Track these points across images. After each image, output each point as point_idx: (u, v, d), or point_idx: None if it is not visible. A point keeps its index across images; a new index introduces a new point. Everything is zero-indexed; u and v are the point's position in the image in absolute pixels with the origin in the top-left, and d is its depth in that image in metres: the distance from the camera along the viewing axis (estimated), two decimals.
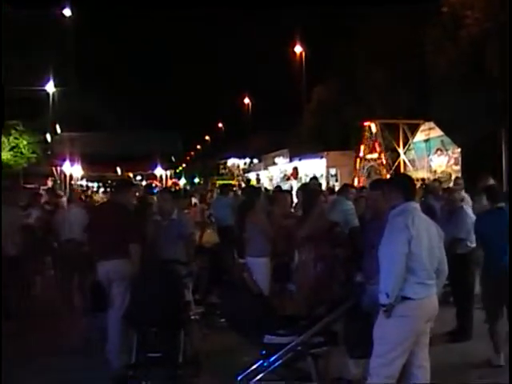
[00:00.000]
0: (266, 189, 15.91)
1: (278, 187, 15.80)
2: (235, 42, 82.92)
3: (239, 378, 6.39)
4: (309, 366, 6.25)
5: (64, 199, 15.70)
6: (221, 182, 31.63)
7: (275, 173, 43.28)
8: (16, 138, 25.95)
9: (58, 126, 35.75)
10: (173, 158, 37.28)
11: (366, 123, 29.24)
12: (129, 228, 7.86)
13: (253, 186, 26.47)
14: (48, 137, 31.79)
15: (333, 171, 32.41)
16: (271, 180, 43.45)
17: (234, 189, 20.05)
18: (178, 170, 60.25)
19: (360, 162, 29.62)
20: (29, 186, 27.50)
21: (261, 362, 6.31)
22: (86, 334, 8.66)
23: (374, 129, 28.80)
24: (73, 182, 35.01)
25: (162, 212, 8.67)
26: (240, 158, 59.53)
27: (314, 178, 17.65)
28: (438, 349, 7.13)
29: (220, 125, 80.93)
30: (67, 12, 37.30)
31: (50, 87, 34.64)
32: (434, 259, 5.72)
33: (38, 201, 14.67)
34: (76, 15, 38.27)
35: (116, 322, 7.66)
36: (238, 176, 56.04)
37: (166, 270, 7.34)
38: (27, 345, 9.20)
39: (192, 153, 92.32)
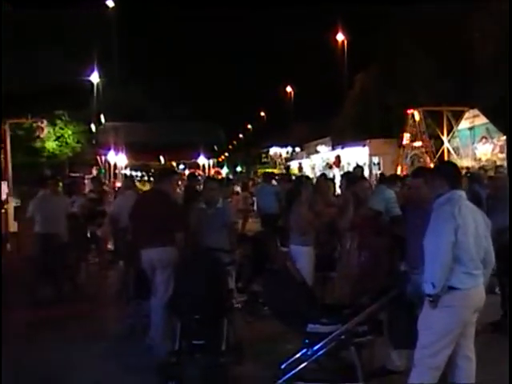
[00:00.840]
0: (307, 177, 15.84)
1: (323, 175, 15.70)
2: (277, 29, 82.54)
3: (282, 367, 6.39)
4: (352, 356, 6.22)
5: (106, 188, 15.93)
6: (263, 171, 31.60)
7: (317, 161, 43.11)
8: (61, 128, 26.29)
9: (102, 116, 36.11)
10: (215, 147, 37.33)
11: (410, 111, 28.94)
12: (173, 216, 7.91)
13: (300, 175, 26.49)
14: (92, 126, 32.16)
15: (375, 159, 32.18)
16: (313, 168, 43.29)
17: (277, 177, 20.00)
18: (220, 159, 60.43)
19: (403, 150, 29.36)
20: (74, 174, 27.91)
21: (304, 350, 6.30)
22: (129, 321, 8.74)
23: (417, 116, 28.51)
24: (117, 171, 35.35)
25: (208, 200, 8.67)
26: (282, 146, 59.47)
27: (358, 167, 17.52)
28: (483, 339, 7.02)
29: (262, 113, 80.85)
30: (110, 3, 37.63)
31: (95, 78, 35.02)
32: (480, 249, 5.62)
33: (82, 189, 14.90)
34: (121, 5, 38.57)
35: (159, 310, 7.73)
36: (280, 165, 56.02)
37: (210, 257, 7.35)
38: (71, 330, 9.35)
39: (234, 142, 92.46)
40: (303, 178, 12.13)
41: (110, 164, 33.98)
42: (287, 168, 40.66)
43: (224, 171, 58.14)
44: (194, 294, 6.80)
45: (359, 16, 41.48)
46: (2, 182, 15.26)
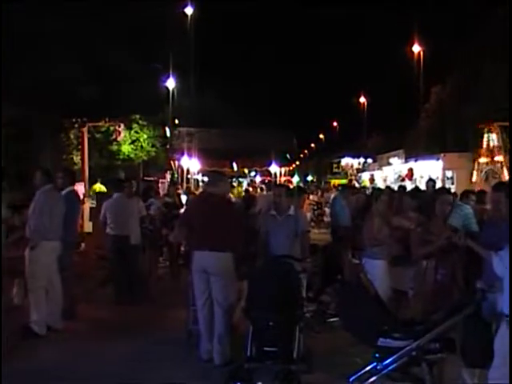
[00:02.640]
0: (379, 189, 15.64)
1: (403, 187, 15.52)
2: (353, 40, 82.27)
3: (351, 380, 6.33)
4: (423, 373, 6.13)
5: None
6: (334, 182, 31.46)
7: (389, 173, 42.66)
8: (137, 132, 26.75)
9: (176, 121, 36.62)
10: (288, 156, 37.40)
11: (485, 125, 28.36)
12: (233, 221, 7.92)
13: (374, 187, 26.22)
14: (167, 131, 32.61)
15: (449, 174, 31.60)
16: (385, 180, 42.85)
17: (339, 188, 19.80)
18: (291, 168, 60.46)
19: (478, 165, 28.78)
20: (148, 178, 28.35)
21: (374, 364, 6.24)
22: (188, 327, 8.70)
23: (493, 131, 27.90)
24: (189, 176, 35.83)
25: (278, 207, 8.67)
26: (354, 157, 59.05)
27: (431, 180, 17.24)
28: None
29: (335, 124, 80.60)
30: (189, 11, 38.15)
31: (171, 83, 35.58)
32: None
33: (158, 193, 15.12)
34: (196, 12, 39.03)
35: (222, 316, 7.72)
36: (351, 175, 55.64)
37: (284, 264, 7.35)
38: (138, 332, 9.48)
39: (306, 151, 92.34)
40: (377, 191, 12.02)
41: (182, 169, 34.47)
42: (350, 180, 40.22)
43: (295, 180, 58.11)
44: (267, 300, 6.82)
45: (437, 28, 40.92)
46: (79, 184, 15.60)
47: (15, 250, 9.54)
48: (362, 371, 6.33)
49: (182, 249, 14.14)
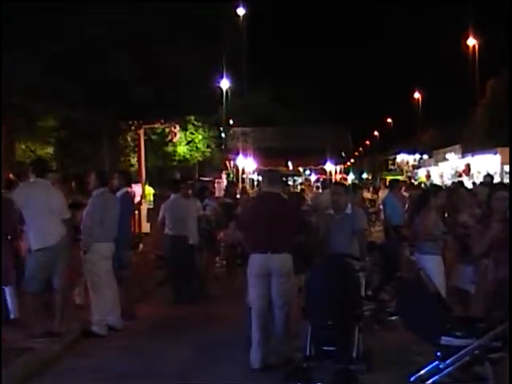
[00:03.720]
0: (436, 185, 15.43)
1: (461, 183, 15.26)
2: (407, 35, 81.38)
3: (412, 379, 6.28)
4: (486, 372, 6.03)
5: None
6: (390, 178, 31.19)
7: (446, 169, 42.13)
8: (192, 133, 26.98)
9: (231, 122, 36.84)
10: (343, 153, 37.26)
11: None
12: (295, 221, 7.89)
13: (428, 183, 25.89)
14: (222, 132, 32.82)
15: (507, 168, 31.02)
16: (441, 176, 42.35)
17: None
18: (346, 165, 60.27)
19: None
20: (204, 178, 28.55)
21: (436, 363, 6.17)
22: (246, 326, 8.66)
23: None
24: (244, 176, 35.98)
25: (335, 206, 8.63)
26: (409, 153, 58.47)
27: (489, 176, 16.96)
28: None
29: (389, 120, 79.90)
30: (241, 11, 38.33)
31: (224, 84, 35.80)
32: None
33: (213, 193, 15.21)
34: (249, 12, 39.18)
35: (282, 318, 7.65)
36: (407, 172, 55.12)
37: (343, 263, 7.31)
38: (195, 331, 9.57)
39: (360, 148, 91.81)
40: (433, 187, 11.84)
41: (238, 168, 34.63)
42: (408, 176, 39.80)
43: (350, 177, 57.82)
44: (326, 299, 6.80)
45: (492, 21, 40.22)
46: (136, 185, 15.82)
47: (77, 249, 9.71)
48: (424, 370, 6.26)
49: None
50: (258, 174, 43.82)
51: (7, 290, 8.95)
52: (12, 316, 8.99)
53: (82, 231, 9.42)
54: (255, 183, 44.23)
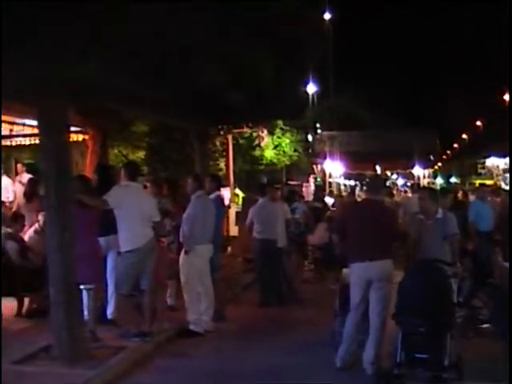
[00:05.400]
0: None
1: None
2: (494, 34, 79.23)
3: None
4: None
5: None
6: (479, 182, 30.40)
7: None
8: (279, 137, 27.10)
9: (317, 125, 36.83)
10: (431, 157, 36.65)
11: None
12: (394, 227, 7.84)
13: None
14: (309, 136, 32.85)
15: None
16: None
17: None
18: (434, 169, 59.14)
19: None
20: (292, 182, 28.64)
21: None
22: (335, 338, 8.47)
23: None
24: (331, 180, 35.88)
25: (425, 211, 8.53)
26: (500, 157, 56.82)
27: None
28: None
29: (478, 123, 77.97)
30: (327, 15, 38.30)
31: (311, 88, 35.84)
32: None
33: (302, 197, 15.27)
34: (334, 15, 39.11)
35: (379, 325, 7.60)
36: (497, 176, 53.63)
37: (435, 269, 7.22)
38: (283, 334, 9.67)
39: (448, 151, 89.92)
40: None
41: (324, 172, 34.59)
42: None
43: (438, 181, 56.76)
44: (419, 305, 6.74)
45: None
46: (225, 189, 16.04)
47: (169, 253, 9.95)
48: None
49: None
50: (345, 178, 43.73)
51: (109, 290, 9.26)
52: (109, 316, 9.30)
53: (182, 233, 9.65)
54: (341, 187, 44.03)
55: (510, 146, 20.21)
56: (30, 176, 15.13)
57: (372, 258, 7.55)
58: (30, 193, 11.83)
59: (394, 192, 30.00)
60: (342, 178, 42.41)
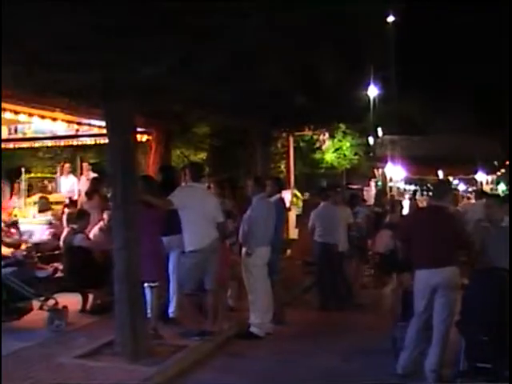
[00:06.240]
0: None
1: None
2: None
3: None
4: None
5: None
6: None
7: None
8: (339, 141, 26.99)
9: (379, 129, 36.48)
10: (495, 163, 35.92)
11: None
12: (460, 234, 7.75)
13: None
14: (370, 139, 32.58)
15: None
16: None
17: None
18: (497, 175, 57.86)
19: None
20: (353, 186, 28.46)
21: None
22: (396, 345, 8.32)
23: None
24: (391, 184, 35.48)
25: (491, 218, 8.39)
26: None
27: None
28: None
29: None
30: (390, 18, 37.93)
31: (372, 91, 35.51)
32: None
33: (364, 200, 15.18)
34: (399, 19, 38.67)
35: (443, 333, 7.44)
36: None
37: (500, 278, 7.08)
38: (342, 338, 9.64)
39: None
40: None
41: (385, 177, 34.22)
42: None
43: (500, 188, 55.55)
44: (483, 314, 6.63)
45: None
46: (285, 191, 16.05)
47: (230, 254, 10.03)
48: None
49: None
50: (406, 183, 43.18)
51: (170, 289, 9.39)
52: (171, 315, 9.43)
53: (243, 235, 9.72)
54: (402, 191, 43.50)
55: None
56: (95, 175, 15.48)
57: (437, 265, 7.44)
58: (91, 191, 12.07)
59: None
60: (403, 182, 41.96)
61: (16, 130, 15.23)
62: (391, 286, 11.79)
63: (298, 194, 20.03)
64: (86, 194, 12.48)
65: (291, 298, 12.24)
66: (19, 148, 16.82)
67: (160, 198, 8.87)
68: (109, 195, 9.55)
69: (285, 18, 7.96)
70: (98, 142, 15.61)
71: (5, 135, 15.52)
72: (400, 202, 18.50)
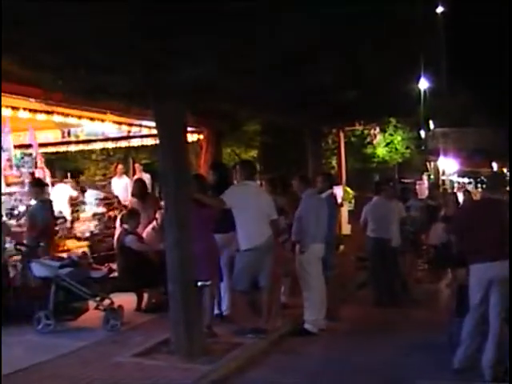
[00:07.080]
0: None
1: None
2: None
3: None
4: None
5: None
6: None
7: None
8: (391, 135, 26.71)
9: (431, 122, 36.03)
10: None
11: None
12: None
13: None
14: (422, 133, 32.21)
15: None
16: None
17: None
18: None
19: None
20: (405, 180, 28.17)
21: None
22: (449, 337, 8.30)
23: None
24: (444, 177, 35.01)
25: None
26: None
27: None
28: None
29: None
30: (439, 9, 37.34)
31: (423, 84, 35.06)
32: None
33: (416, 194, 15.01)
34: (450, 11, 38.06)
35: (499, 328, 7.31)
36: None
37: None
38: (397, 333, 9.57)
39: None
40: None
41: (438, 170, 33.81)
42: None
43: None
44: None
45: None
46: (337, 187, 15.98)
47: (283, 251, 10.02)
48: None
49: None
50: (458, 176, 42.53)
51: (222, 287, 9.44)
52: (224, 313, 9.48)
53: (295, 232, 9.71)
54: (455, 185, 42.88)
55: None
56: (147, 176, 15.62)
57: (493, 259, 7.30)
58: (141, 193, 12.13)
59: None
60: (456, 175, 41.35)
61: (69, 133, 15.51)
62: (446, 281, 11.69)
63: (349, 189, 19.91)
64: (133, 195, 12.53)
65: (345, 294, 12.20)
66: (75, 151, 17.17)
67: (213, 196, 8.91)
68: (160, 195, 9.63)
69: (335, 14, 7.90)
70: (150, 142, 15.82)
71: (58, 138, 15.84)
72: (455, 194, 18.25)
